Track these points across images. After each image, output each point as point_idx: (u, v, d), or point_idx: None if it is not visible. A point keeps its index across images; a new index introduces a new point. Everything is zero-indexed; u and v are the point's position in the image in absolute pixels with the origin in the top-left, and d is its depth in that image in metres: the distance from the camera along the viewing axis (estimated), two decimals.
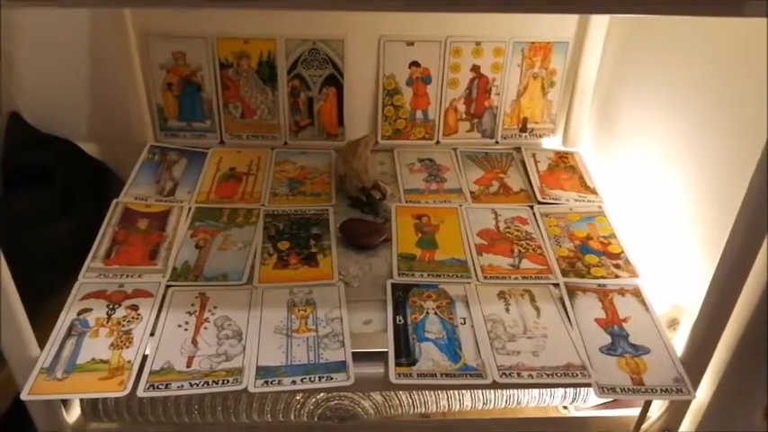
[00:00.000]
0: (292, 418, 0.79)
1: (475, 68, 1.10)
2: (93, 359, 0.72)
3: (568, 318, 0.80)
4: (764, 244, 0.65)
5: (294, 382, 0.70)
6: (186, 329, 0.76)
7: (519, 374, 0.72)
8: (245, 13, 1.03)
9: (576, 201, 1.01)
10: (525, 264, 0.89)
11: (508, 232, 0.95)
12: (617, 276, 0.87)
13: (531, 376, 0.72)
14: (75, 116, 1.10)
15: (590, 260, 0.90)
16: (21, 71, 1.06)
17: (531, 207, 1.00)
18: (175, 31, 1.04)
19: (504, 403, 0.82)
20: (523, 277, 0.86)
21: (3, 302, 0.67)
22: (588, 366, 0.74)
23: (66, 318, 0.76)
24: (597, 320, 0.80)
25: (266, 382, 0.70)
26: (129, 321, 0.76)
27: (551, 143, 1.17)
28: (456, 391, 0.80)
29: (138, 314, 0.77)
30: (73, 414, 0.78)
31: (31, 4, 0.64)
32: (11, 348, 0.70)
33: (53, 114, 1.08)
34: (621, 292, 0.85)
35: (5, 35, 1.02)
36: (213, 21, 1.04)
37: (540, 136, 1.17)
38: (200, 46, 1.05)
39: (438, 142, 1.15)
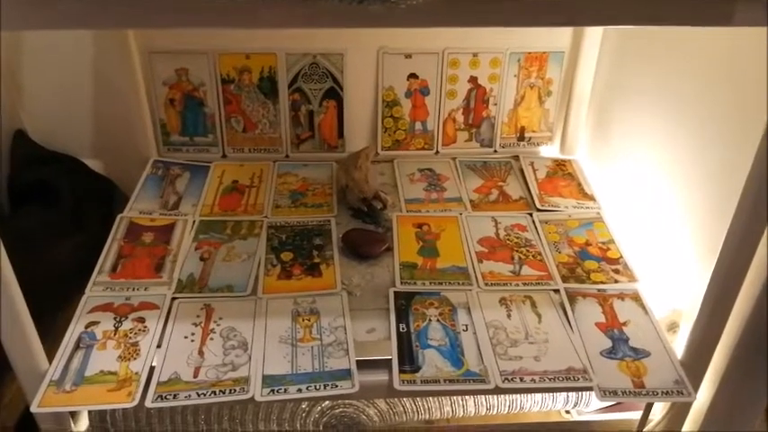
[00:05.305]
0: (298, 426, 0.80)
1: (472, 79, 1.12)
2: (102, 371, 0.73)
3: (569, 323, 0.81)
4: (761, 246, 0.66)
5: (300, 391, 0.71)
6: (192, 340, 0.77)
7: (521, 379, 0.73)
8: (245, 29, 1.05)
9: (575, 207, 1.03)
10: (526, 270, 0.90)
11: (508, 239, 0.96)
12: (616, 281, 0.88)
13: (533, 381, 0.73)
14: (80, 133, 1.11)
15: (589, 266, 0.91)
16: (26, 89, 1.08)
17: (531, 214, 1.01)
18: (178, 48, 1.06)
19: (507, 408, 0.83)
20: (524, 284, 0.87)
21: (13, 317, 0.68)
22: (589, 370, 0.74)
23: (74, 331, 0.78)
24: (597, 325, 0.81)
25: (272, 391, 0.71)
26: (135, 333, 0.78)
27: (549, 151, 1.19)
28: (460, 398, 0.81)
29: (145, 326, 0.79)
30: (81, 426, 0.79)
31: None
32: (21, 362, 0.71)
33: (58, 132, 1.10)
34: (621, 296, 0.86)
35: (11, 54, 1.04)
36: (215, 37, 1.06)
37: (538, 144, 1.18)
38: (202, 62, 1.07)
39: (437, 152, 1.16)
